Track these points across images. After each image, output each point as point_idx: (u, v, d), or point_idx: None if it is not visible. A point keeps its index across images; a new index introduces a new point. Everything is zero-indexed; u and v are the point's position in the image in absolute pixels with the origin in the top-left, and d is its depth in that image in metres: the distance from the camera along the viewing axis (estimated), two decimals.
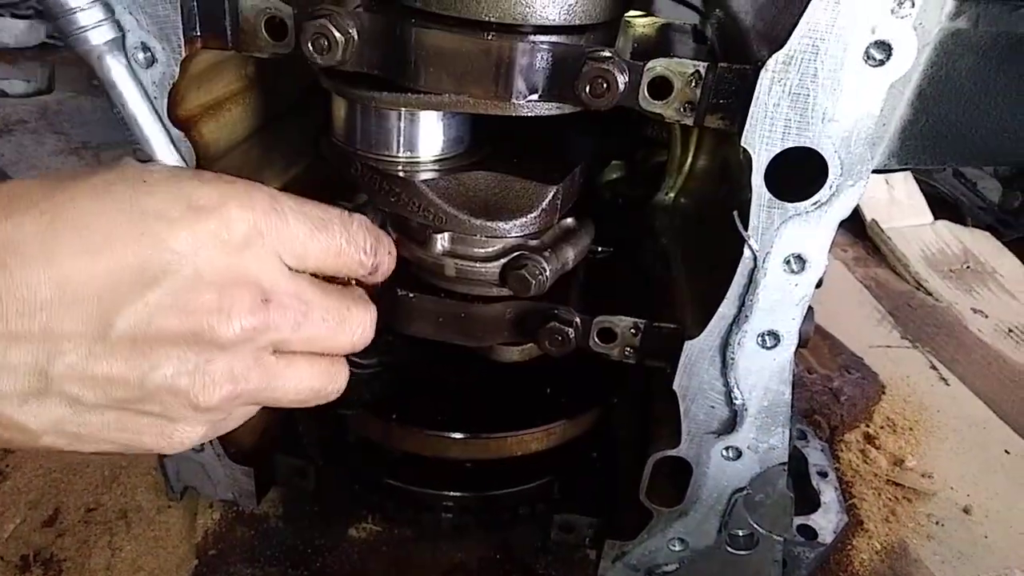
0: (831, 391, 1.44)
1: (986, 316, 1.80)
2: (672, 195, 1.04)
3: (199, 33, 0.69)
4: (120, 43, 0.55)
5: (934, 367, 1.58)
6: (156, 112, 0.58)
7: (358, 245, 0.59)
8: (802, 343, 0.82)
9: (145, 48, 0.68)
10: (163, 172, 0.52)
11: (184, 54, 0.68)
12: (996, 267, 2.01)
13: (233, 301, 0.49)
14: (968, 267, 2.01)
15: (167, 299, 0.47)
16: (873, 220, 2.10)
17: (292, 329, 0.53)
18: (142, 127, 0.57)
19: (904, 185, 2.20)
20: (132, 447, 0.52)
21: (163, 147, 0.59)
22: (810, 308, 0.77)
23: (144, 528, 1.05)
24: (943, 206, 2.27)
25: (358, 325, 0.59)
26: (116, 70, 0.55)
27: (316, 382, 0.58)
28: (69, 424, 0.49)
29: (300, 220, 0.54)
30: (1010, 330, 1.75)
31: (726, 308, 0.71)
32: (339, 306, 0.57)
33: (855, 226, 2.12)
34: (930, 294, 1.88)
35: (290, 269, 0.54)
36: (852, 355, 1.58)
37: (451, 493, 1.00)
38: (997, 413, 1.45)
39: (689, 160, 1.02)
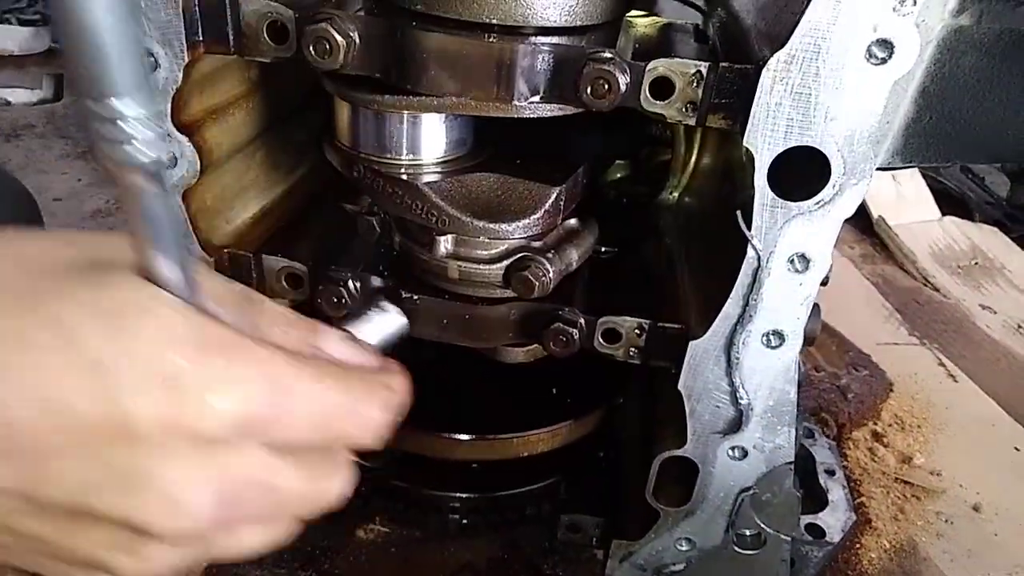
0: (839, 389, 1.44)
1: (994, 312, 1.79)
2: (676, 194, 1.04)
3: (202, 38, 0.69)
4: (165, 163, 0.43)
5: (942, 364, 1.58)
6: (185, 234, 0.45)
7: (370, 430, 0.48)
8: (809, 341, 0.82)
9: (148, 53, 0.68)
10: (157, 318, 0.41)
11: (187, 59, 0.68)
12: (1004, 263, 2.00)
13: (191, 503, 0.41)
14: (976, 263, 2.00)
15: (113, 482, 0.40)
16: (880, 217, 2.09)
17: (253, 520, 0.46)
18: (165, 256, 0.43)
19: (911, 181, 2.19)
20: None
21: (180, 281, 0.44)
22: (817, 306, 0.77)
23: None
24: (951, 202, 2.25)
25: (328, 497, 0.49)
26: (157, 191, 0.42)
27: (264, 545, 0.49)
28: None
29: (308, 413, 0.45)
30: (1019, 326, 1.74)
31: (730, 308, 0.71)
32: (314, 482, 0.47)
33: (862, 223, 2.11)
34: (938, 291, 1.87)
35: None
36: (860, 352, 1.57)
37: (458, 494, 1.00)
38: (1006, 410, 1.44)
39: (693, 159, 1.02)
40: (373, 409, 0.48)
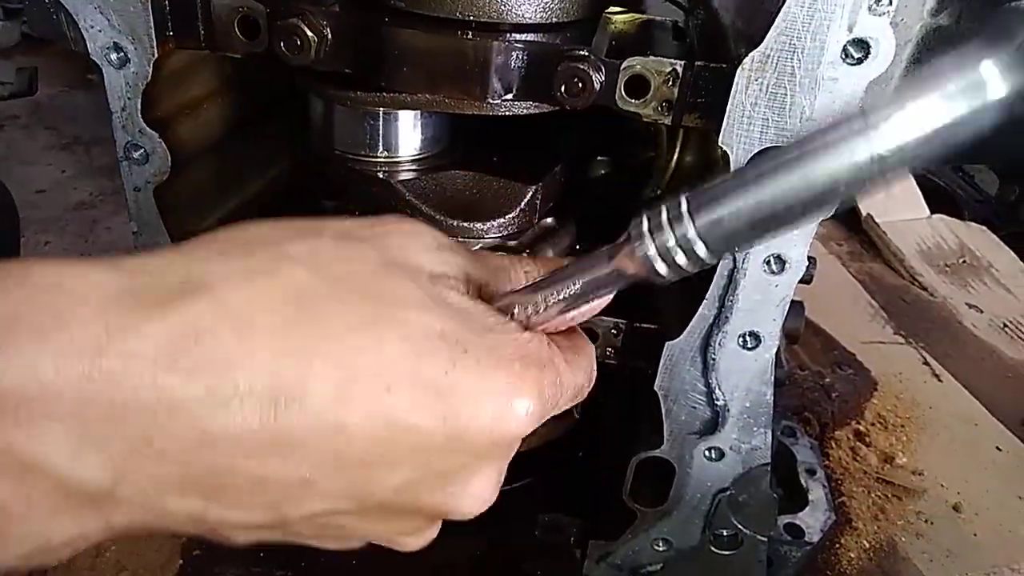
0: (822, 387, 1.44)
1: (981, 311, 1.79)
2: (659, 192, 1.03)
3: (172, 33, 0.68)
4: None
5: (927, 363, 1.57)
6: None
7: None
8: (793, 339, 0.81)
9: (117, 48, 0.68)
10: (506, 344, 0.46)
11: (156, 54, 0.67)
12: (992, 261, 2.00)
13: (492, 492, 0.48)
14: (964, 261, 1.99)
15: (437, 482, 0.45)
16: (868, 214, 2.09)
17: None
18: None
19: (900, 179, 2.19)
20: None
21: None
22: (801, 303, 0.76)
23: None
24: (941, 199, 2.25)
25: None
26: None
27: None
28: (274, 538, 0.47)
29: (571, 399, 0.52)
30: (1005, 325, 1.74)
31: (706, 309, 0.71)
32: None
33: (850, 220, 2.11)
34: (925, 289, 1.87)
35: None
36: (844, 351, 1.57)
37: None
38: (989, 409, 1.44)
39: (676, 156, 1.01)
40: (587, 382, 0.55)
